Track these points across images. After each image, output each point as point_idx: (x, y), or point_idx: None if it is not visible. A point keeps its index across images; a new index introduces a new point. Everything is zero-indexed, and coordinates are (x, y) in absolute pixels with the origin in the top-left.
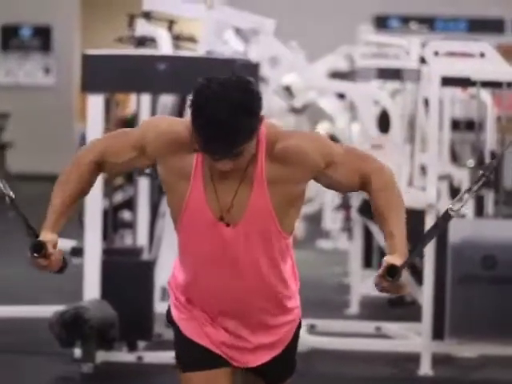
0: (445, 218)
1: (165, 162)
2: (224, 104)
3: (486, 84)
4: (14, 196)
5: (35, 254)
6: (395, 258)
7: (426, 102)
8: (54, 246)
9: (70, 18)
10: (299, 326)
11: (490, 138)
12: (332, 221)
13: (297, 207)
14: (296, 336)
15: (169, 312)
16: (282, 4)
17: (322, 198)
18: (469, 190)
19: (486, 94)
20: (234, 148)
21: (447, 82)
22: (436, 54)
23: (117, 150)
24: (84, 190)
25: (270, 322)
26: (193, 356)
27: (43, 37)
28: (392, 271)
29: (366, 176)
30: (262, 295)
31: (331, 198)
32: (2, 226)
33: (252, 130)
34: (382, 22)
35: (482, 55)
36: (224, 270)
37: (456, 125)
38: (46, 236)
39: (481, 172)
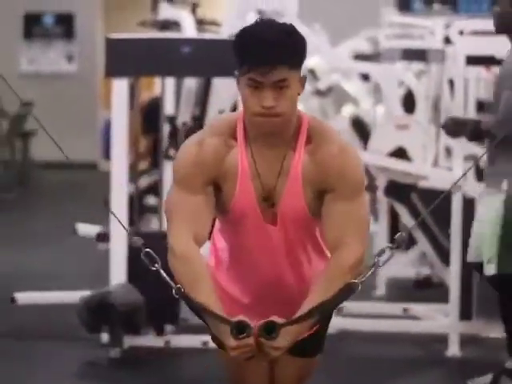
0: (349, 290)
1: (217, 176)
2: (269, 27)
3: None
4: (183, 289)
5: (241, 335)
6: (282, 318)
7: (451, 84)
8: None
9: (92, 5)
10: None
11: None
12: None
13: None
14: None
15: None
16: None
17: None
18: (374, 265)
19: None
20: (276, 61)
21: (472, 60)
22: (461, 33)
23: (194, 215)
24: (206, 264)
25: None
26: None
27: (66, 24)
28: (269, 327)
29: (343, 245)
30: (297, 274)
31: None
32: (24, 213)
33: (294, 56)
34: (405, 4)
35: None
36: (264, 257)
37: (481, 106)
38: (237, 317)
39: (387, 245)
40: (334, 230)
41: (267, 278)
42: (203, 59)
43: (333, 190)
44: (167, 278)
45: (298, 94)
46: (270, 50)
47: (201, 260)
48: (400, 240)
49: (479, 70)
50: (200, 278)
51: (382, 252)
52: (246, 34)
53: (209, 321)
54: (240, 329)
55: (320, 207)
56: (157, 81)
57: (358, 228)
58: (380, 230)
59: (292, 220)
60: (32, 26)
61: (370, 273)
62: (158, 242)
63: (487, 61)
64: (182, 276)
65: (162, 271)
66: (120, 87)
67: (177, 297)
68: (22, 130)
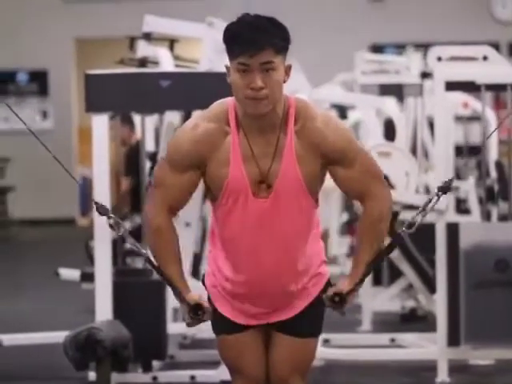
0: (396, 240)
1: (208, 160)
2: (255, 17)
3: (490, 87)
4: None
5: (198, 316)
6: (345, 285)
7: (431, 126)
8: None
9: (65, 61)
10: (328, 282)
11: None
12: (338, 246)
13: (320, 179)
14: (324, 292)
15: (204, 277)
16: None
17: (327, 223)
18: (423, 210)
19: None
20: (263, 43)
21: (451, 86)
22: (439, 59)
23: (174, 191)
24: (178, 238)
25: (298, 279)
26: (221, 324)
27: (40, 81)
28: (338, 297)
29: (368, 196)
30: (293, 255)
31: (336, 222)
32: (6, 266)
33: (279, 40)
34: (378, 50)
35: (485, 58)
36: (260, 237)
37: (459, 150)
38: (193, 297)
39: (436, 192)
40: (357, 190)
41: (262, 261)
42: (183, 93)
43: (333, 163)
44: (137, 245)
45: (284, 82)
46: (257, 34)
47: (172, 234)
48: (446, 187)
49: (457, 108)
50: (170, 250)
51: (428, 203)
52: (234, 24)
53: (173, 292)
54: (196, 310)
55: (317, 183)
56: (137, 119)
57: (376, 180)
58: None
59: (287, 198)
60: (6, 83)
61: (419, 220)
62: (143, 277)
63: (467, 86)
64: (155, 247)
65: (129, 238)
66: (100, 122)
67: (147, 265)
68: None
